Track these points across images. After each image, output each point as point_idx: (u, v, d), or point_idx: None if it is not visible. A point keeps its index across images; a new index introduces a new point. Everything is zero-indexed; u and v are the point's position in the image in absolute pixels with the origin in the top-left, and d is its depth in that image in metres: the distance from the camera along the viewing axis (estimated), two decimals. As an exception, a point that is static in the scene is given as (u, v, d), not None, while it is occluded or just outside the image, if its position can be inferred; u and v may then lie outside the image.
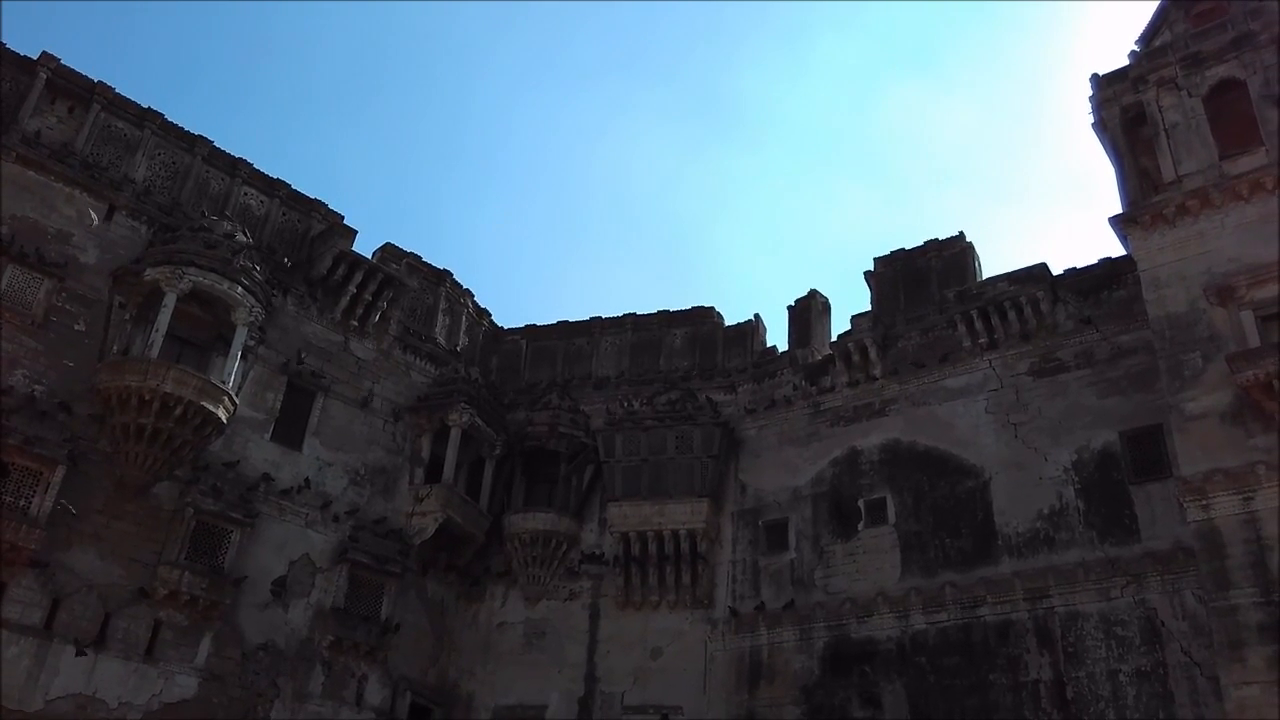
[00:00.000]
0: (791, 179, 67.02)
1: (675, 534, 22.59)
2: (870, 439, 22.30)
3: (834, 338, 23.94)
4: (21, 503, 17.68)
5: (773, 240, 66.06)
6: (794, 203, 66.76)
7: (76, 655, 17.61)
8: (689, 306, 26.45)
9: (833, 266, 62.06)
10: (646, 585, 22.62)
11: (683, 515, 22.74)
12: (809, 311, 25.00)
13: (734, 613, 21.91)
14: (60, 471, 18.05)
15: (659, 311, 26.78)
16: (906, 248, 23.90)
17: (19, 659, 17.12)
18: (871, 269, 24.11)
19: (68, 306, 19.69)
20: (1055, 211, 62.41)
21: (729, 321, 26.17)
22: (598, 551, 23.65)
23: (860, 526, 21.48)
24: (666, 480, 23.24)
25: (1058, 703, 17.85)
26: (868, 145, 66.10)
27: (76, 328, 19.66)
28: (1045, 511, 19.57)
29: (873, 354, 22.79)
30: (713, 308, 26.35)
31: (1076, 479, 19.53)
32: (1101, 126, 21.01)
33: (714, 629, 21.98)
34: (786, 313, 25.23)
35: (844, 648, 20.40)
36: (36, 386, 18.71)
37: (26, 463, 17.84)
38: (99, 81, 21.55)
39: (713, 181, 66.74)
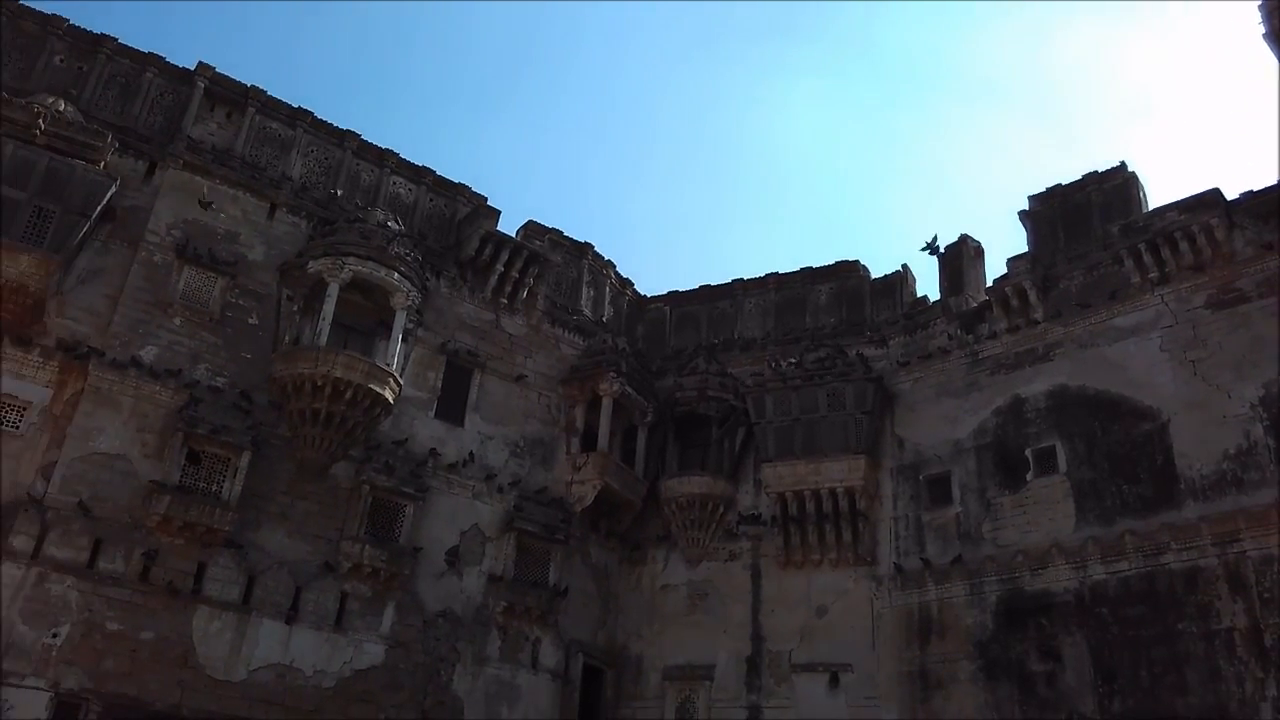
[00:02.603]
0: (945, 126, 64.39)
1: (833, 492, 22.35)
2: (1035, 386, 21.45)
3: (989, 283, 23.09)
4: (214, 488, 18.90)
5: (920, 189, 63.89)
6: (945, 150, 64.26)
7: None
8: (833, 261, 26.01)
9: (983, 211, 59.48)
10: (807, 544, 22.49)
11: (839, 473, 22.48)
12: (960, 258, 24.17)
13: (899, 569, 21.58)
14: (246, 457, 19.18)
15: (802, 269, 26.42)
16: (1063, 183, 22.78)
17: (222, 633, 18.36)
18: (1026, 208, 23.09)
19: (240, 302, 20.83)
20: (1225, 136, 58.21)
21: (875, 274, 25.61)
22: (755, 512, 23.66)
23: (1029, 477, 20.74)
24: (820, 439, 22.99)
25: (1255, 650, 16.89)
26: (1036, 85, 62.21)
27: (250, 321, 20.80)
28: (1231, 451, 18.43)
29: (1033, 297, 21.88)
30: (857, 261, 25.82)
31: (1265, 415, 18.29)
32: (1273, 37, 19.39)
33: (879, 586, 21.71)
34: (936, 261, 24.46)
35: (1018, 601, 19.82)
36: (219, 379, 19.92)
37: (215, 450, 19.05)
38: (252, 86, 22.59)
39: (861, 135, 64.99)
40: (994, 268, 23.72)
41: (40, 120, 18.75)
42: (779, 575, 22.72)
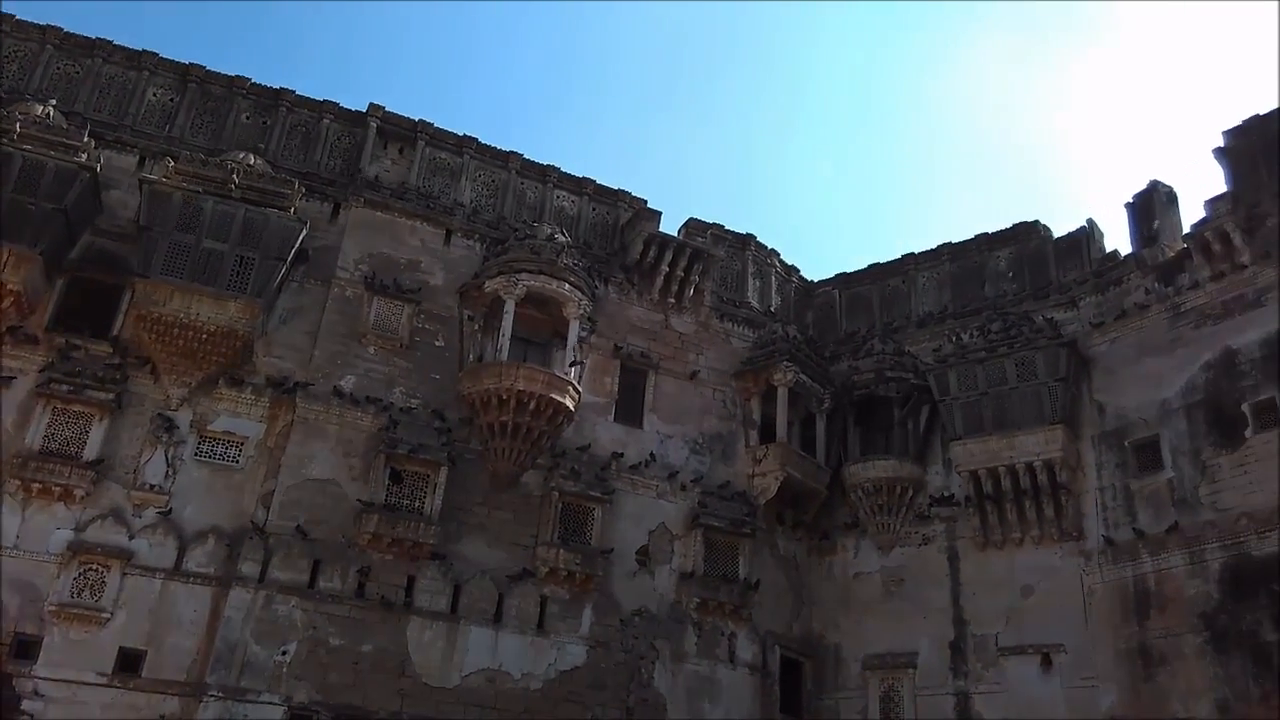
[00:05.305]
0: (1129, 69, 59.90)
1: (1030, 466, 21.35)
2: (1247, 335, 19.77)
3: (1186, 230, 21.45)
4: (416, 504, 20.00)
5: (1100, 140, 59.62)
6: (1127, 95, 59.80)
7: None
8: (1010, 224, 24.83)
9: (1173, 155, 54.79)
10: (1005, 523, 21.59)
11: (1035, 446, 21.44)
12: (1151, 205, 22.52)
13: (1109, 542, 20.39)
14: (443, 472, 20.18)
15: (976, 236, 25.30)
16: (1262, 113, 20.88)
17: (434, 641, 19.35)
18: (1221, 145, 21.29)
19: (426, 326, 21.94)
20: None
21: (1057, 233, 24.28)
22: (946, 493, 22.90)
23: (1248, 433, 19.15)
24: (1011, 411, 22.01)
25: None
26: (1222, 19, 56.91)
27: (437, 344, 21.88)
28: None
29: (1237, 239, 20.16)
30: (1037, 221, 24.50)
31: None
32: None
33: (1088, 561, 20.59)
34: (1125, 211, 22.92)
35: (1245, 568, 18.36)
36: (413, 400, 21.06)
37: (415, 468, 20.15)
38: (420, 120, 23.76)
39: (1030, 89, 61.30)
40: (1189, 214, 22.05)
41: (234, 175, 20.39)
42: (978, 557, 21.91)
